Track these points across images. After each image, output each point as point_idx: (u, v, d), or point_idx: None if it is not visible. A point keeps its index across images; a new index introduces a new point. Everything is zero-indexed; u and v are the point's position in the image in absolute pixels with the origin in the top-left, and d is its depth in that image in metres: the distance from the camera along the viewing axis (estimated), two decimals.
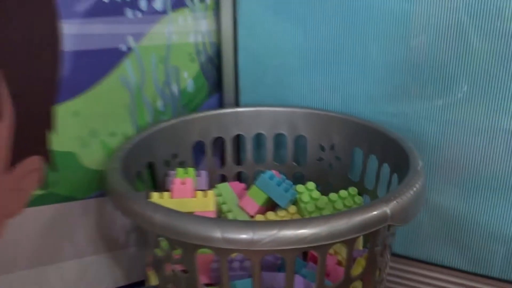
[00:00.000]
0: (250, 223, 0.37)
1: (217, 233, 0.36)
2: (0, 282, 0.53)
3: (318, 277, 0.41)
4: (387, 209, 0.40)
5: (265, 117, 0.67)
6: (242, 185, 0.65)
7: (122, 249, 0.63)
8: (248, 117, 0.67)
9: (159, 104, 0.64)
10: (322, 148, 0.67)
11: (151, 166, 0.60)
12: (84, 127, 0.57)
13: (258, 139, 0.70)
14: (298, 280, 0.47)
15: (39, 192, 0.55)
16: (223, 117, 0.66)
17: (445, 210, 0.63)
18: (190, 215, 0.39)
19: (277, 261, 0.52)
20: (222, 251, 0.39)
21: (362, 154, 0.62)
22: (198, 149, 0.67)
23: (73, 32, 0.52)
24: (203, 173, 0.62)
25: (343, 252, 0.57)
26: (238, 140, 0.71)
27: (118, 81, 0.58)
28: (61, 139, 0.55)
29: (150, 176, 0.60)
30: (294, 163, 0.69)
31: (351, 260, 0.42)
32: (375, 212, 0.39)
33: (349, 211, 0.39)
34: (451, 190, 0.62)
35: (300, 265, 0.53)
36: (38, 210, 0.55)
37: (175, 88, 0.65)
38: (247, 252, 0.38)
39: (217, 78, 0.70)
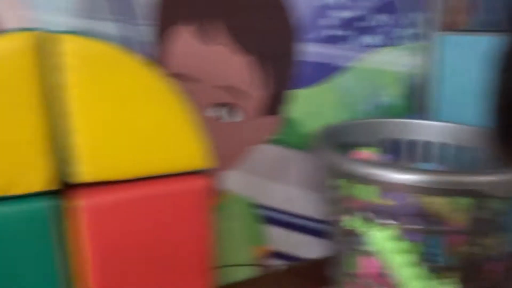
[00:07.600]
0: None
1: None
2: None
3: None
4: None
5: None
6: None
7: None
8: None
9: (360, 108, 0.88)
10: None
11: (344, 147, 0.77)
12: (307, 107, 0.85)
13: None
14: None
15: (271, 137, 0.84)
16: (406, 125, 0.84)
17: None
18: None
19: None
20: None
21: None
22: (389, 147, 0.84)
23: (312, 50, 0.83)
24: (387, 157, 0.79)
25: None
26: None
27: (337, 86, 0.86)
28: (293, 110, 0.84)
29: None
30: None
31: None
32: None
33: None
34: None
35: None
36: (268, 148, 0.84)
37: (376, 101, 0.89)
38: None
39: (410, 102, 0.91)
